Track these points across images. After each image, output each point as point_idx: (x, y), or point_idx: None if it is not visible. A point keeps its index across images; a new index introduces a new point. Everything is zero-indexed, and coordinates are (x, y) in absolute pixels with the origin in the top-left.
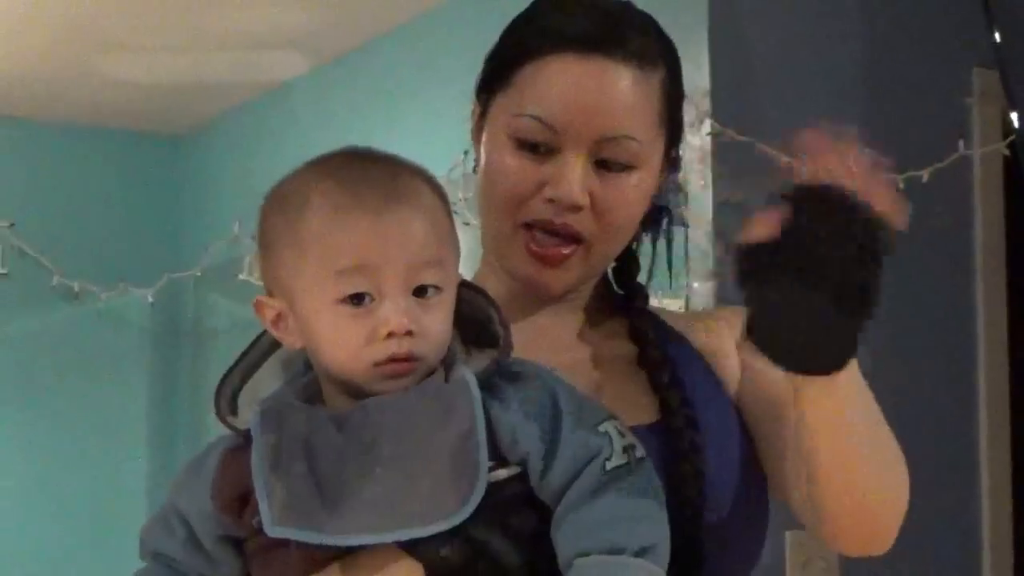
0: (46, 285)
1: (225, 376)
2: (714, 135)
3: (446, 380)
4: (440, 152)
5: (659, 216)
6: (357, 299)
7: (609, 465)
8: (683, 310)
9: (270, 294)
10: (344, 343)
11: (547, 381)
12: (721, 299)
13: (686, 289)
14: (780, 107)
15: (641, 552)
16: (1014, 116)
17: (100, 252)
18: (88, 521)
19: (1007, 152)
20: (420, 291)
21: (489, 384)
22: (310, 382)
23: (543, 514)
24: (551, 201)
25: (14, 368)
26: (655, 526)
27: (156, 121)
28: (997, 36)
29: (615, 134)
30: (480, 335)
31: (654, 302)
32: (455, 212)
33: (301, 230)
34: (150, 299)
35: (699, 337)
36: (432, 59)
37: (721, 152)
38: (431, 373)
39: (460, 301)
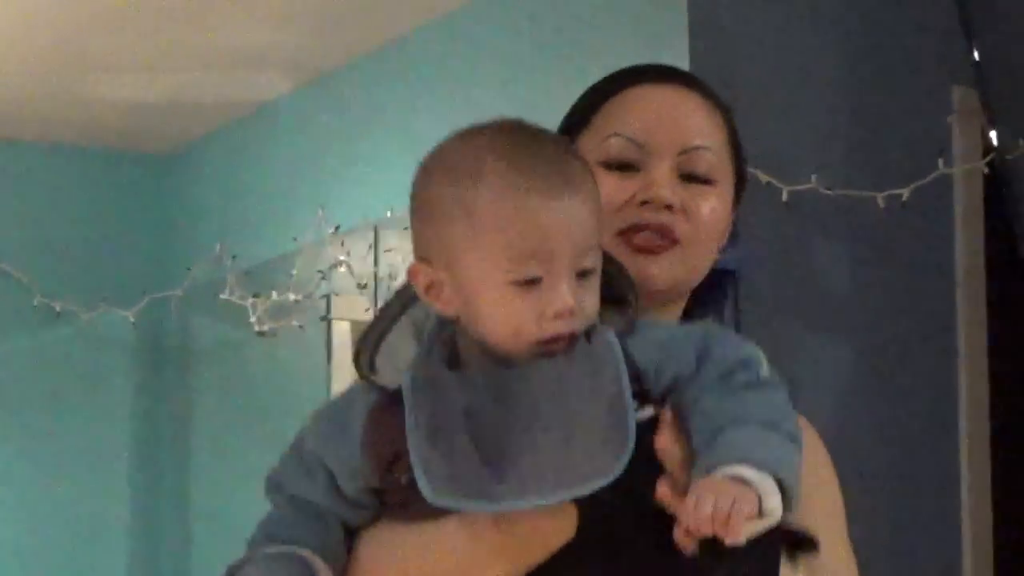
0: (28, 305)
1: (362, 339)
2: None
3: (588, 341)
4: None
5: (723, 281)
6: (529, 281)
7: (762, 373)
8: None
9: (425, 260)
10: (510, 320)
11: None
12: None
13: None
14: (761, 127)
15: (790, 439)
16: (993, 134)
17: (82, 272)
18: (70, 541)
19: (987, 170)
20: (582, 273)
21: (627, 333)
22: (448, 343)
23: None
24: (645, 203)
25: None
26: (798, 427)
27: (140, 141)
28: (976, 55)
29: (695, 144)
30: (605, 293)
31: None
32: None
33: (474, 207)
34: (132, 319)
35: None
36: (415, 78)
37: None
38: None
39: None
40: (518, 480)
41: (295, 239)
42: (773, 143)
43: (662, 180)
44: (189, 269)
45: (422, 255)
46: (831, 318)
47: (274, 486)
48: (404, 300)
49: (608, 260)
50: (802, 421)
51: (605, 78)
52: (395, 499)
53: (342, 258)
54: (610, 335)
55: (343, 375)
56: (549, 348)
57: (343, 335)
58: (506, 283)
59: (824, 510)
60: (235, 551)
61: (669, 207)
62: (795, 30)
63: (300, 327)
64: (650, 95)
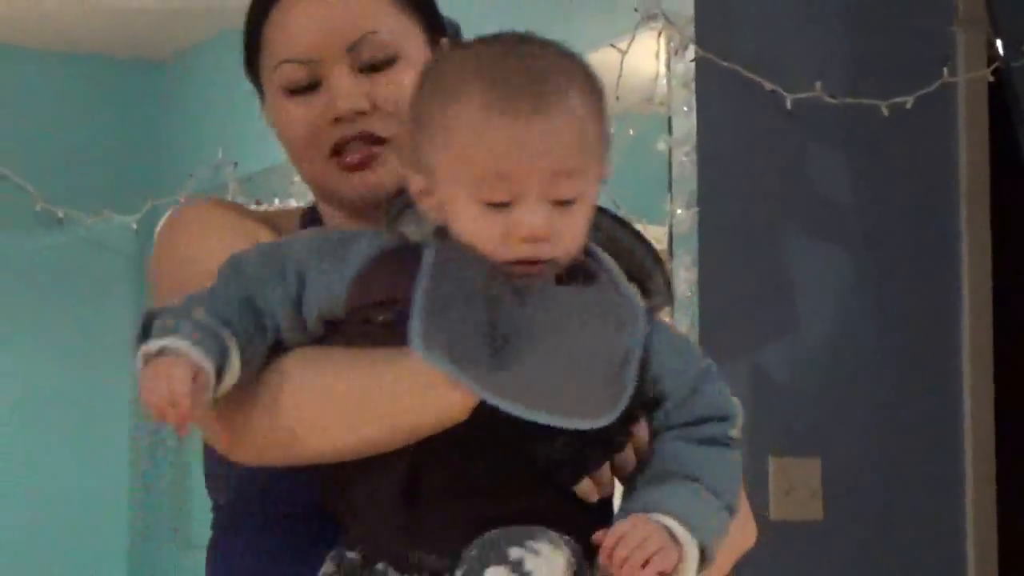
0: (30, 211)
1: (395, 194)
2: (698, 61)
3: (618, 295)
4: None
5: None
6: (497, 204)
7: (732, 433)
8: (667, 237)
9: (415, 167)
10: (479, 237)
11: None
12: (704, 225)
13: (669, 215)
14: (764, 33)
15: (727, 509)
16: (999, 42)
17: (84, 178)
18: (71, 447)
19: (992, 79)
20: (561, 201)
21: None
22: None
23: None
24: (338, 120)
25: None
26: (740, 499)
27: (141, 46)
28: None
29: (359, 34)
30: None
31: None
32: None
33: (450, 124)
34: (134, 226)
35: None
36: None
37: (704, 77)
38: (585, 271)
39: (620, 247)
40: (512, 382)
41: None
42: (777, 51)
43: (341, 90)
44: (190, 176)
45: (411, 162)
46: (833, 228)
47: (235, 268)
48: None
49: (638, 237)
50: None
51: None
52: (351, 331)
53: None
54: (640, 303)
55: None
56: (521, 271)
57: None
58: (477, 203)
59: None
60: None
61: (361, 112)
62: None
63: None
64: (298, 5)
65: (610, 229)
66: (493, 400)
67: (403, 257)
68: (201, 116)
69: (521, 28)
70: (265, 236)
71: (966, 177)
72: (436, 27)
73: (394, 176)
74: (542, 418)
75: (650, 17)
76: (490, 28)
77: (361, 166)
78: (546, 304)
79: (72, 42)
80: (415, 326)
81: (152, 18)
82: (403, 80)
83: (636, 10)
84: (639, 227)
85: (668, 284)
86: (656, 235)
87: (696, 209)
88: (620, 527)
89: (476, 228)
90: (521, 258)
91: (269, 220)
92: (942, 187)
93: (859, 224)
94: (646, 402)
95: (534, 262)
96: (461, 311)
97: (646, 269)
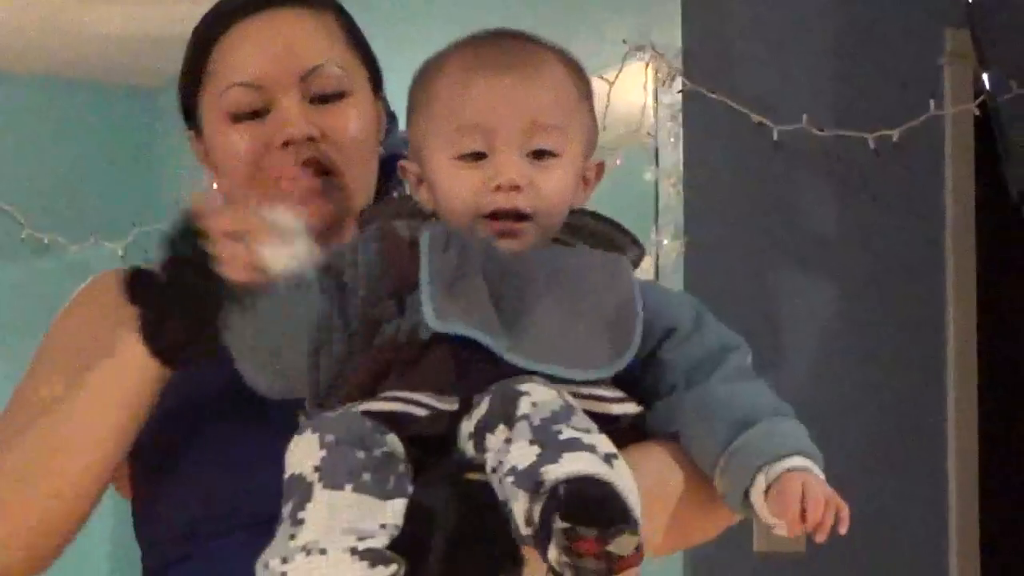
0: (16, 237)
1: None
2: (685, 92)
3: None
4: None
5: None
6: (472, 155)
7: (748, 361)
8: (653, 267)
9: (412, 157)
10: (457, 194)
11: None
12: (690, 256)
13: (655, 246)
14: (751, 65)
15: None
16: (985, 76)
17: (71, 205)
18: None
19: (978, 112)
20: (536, 154)
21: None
22: None
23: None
24: (286, 145)
25: None
26: None
27: (129, 73)
28: None
29: (312, 64)
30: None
31: None
32: None
33: (431, 92)
34: (120, 252)
35: None
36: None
37: (691, 109)
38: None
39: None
40: (523, 338)
41: None
42: (764, 83)
43: (290, 116)
44: (177, 203)
45: (410, 154)
46: (819, 259)
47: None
48: None
49: (599, 219)
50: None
51: (203, 22)
52: (368, 347)
53: None
54: (626, 261)
55: None
56: (499, 228)
57: None
58: (453, 158)
59: None
60: None
61: (311, 138)
62: None
63: None
64: (252, 31)
65: (591, 225)
66: (510, 359)
67: (402, 248)
68: (188, 143)
69: None
70: None
71: (952, 210)
72: (377, 74)
73: (330, 211)
74: (553, 371)
75: (638, 48)
76: None
77: (310, 196)
78: (541, 263)
79: (61, 68)
80: (426, 301)
81: (142, 45)
82: (351, 114)
83: (624, 41)
84: None
85: (637, 243)
86: (642, 265)
87: (682, 240)
88: (792, 491)
89: (454, 183)
90: (498, 208)
91: None
92: (928, 219)
93: (845, 257)
94: (656, 344)
95: (512, 216)
96: (465, 282)
97: (616, 244)
